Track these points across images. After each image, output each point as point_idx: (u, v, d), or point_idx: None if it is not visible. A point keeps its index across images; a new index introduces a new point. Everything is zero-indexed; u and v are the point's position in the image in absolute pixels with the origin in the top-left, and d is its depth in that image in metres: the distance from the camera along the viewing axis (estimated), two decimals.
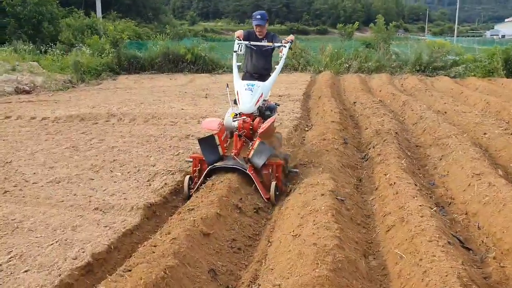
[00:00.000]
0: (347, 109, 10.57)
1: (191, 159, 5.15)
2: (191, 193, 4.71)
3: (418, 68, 18.10)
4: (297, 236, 3.46)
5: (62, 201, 4.56)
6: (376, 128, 7.55)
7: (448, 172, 5.46)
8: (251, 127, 5.08)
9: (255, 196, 4.69)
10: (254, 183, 4.73)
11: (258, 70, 5.68)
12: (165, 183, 5.01)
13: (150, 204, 4.41)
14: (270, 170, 4.84)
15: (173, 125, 8.38)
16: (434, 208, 4.04)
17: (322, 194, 4.12)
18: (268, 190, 4.74)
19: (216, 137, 4.94)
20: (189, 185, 4.80)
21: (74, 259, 3.36)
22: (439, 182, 5.34)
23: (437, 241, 3.28)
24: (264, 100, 5.40)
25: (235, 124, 5.07)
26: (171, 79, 16.89)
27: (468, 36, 63.03)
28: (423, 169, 5.92)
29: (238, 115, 5.17)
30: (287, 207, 4.30)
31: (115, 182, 5.14)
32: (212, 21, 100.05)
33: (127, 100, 11.54)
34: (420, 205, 3.93)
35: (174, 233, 3.40)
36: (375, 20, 19.84)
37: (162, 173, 5.35)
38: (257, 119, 5.21)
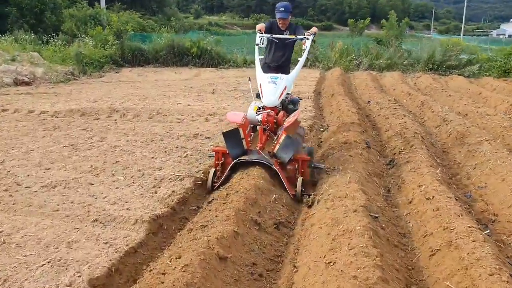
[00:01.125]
0: (362, 108, 10.02)
1: (213, 153, 5.01)
2: (214, 186, 4.65)
3: (431, 67, 17.54)
4: (331, 264, 2.93)
5: (57, 210, 4.04)
6: (397, 130, 7.02)
7: (486, 183, 4.93)
8: (275, 121, 4.99)
9: (275, 208, 4.18)
10: (279, 179, 4.59)
11: (279, 62, 5.59)
12: (173, 191, 4.47)
13: (156, 217, 3.88)
14: (296, 165, 4.72)
15: (180, 123, 7.86)
16: (487, 231, 3.50)
17: (355, 211, 3.59)
18: (294, 186, 4.60)
19: (241, 130, 4.81)
20: (213, 178, 4.70)
21: (68, 286, 2.85)
22: (476, 195, 4.80)
23: (499, 274, 2.75)
24: (287, 94, 5.28)
25: (259, 117, 4.95)
26: (176, 73, 16.34)
27: (474, 35, 62.15)
28: (455, 179, 5.38)
29: (261, 109, 5.06)
30: (312, 223, 3.78)
31: (117, 188, 4.61)
32: (216, 15, 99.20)
33: (131, 94, 11.01)
34: (469, 227, 3.40)
35: (186, 258, 2.88)
36: (388, 16, 19.25)
37: (169, 179, 4.82)
38: (281, 113, 5.12)
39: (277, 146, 4.68)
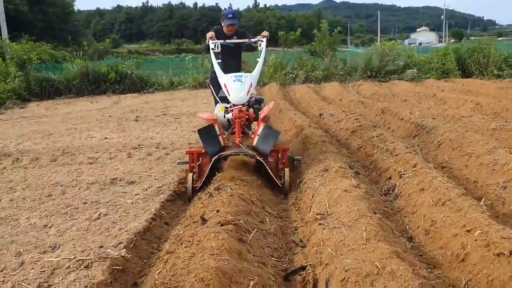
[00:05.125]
0: (317, 123, 8.52)
1: (184, 160, 4.95)
2: (196, 187, 4.39)
3: (369, 74, 16.70)
4: None
5: None
6: (377, 146, 5.53)
7: None
8: (247, 117, 4.87)
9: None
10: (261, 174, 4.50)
11: (233, 69, 5.44)
12: None
13: None
14: (277, 156, 4.59)
15: (93, 164, 5.85)
16: None
17: None
18: (279, 178, 4.52)
19: (216, 126, 4.58)
20: (192, 184, 4.41)
21: None
22: None
23: None
24: (252, 94, 5.15)
25: (229, 116, 4.90)
26: (92, 103, 14.09)
27: None
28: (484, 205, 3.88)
29: (228, 109, 4.95)
30: None
31: None
32: (136, 43, 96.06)
33: (32, 132, 8.75)
34: None
35: None
36: (320, 25, 18.27)
37: (67, 267, 2.86)
38: (250, 110, 4.97)
39: (256, 138, 4.54)
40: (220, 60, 5.31)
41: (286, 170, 4.49)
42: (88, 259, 2.88)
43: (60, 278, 2.74)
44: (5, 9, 29.39)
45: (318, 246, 3.00)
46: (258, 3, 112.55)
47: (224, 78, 5.00)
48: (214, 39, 5.37)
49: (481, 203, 3.41)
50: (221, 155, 4.39)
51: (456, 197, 3.42)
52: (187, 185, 4.45)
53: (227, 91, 4.90)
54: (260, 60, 5.33)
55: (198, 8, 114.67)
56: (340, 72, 17.24)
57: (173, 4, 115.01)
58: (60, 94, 16.37)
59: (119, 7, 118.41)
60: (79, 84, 16.42)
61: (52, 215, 3.89)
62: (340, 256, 2.67)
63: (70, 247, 3.11)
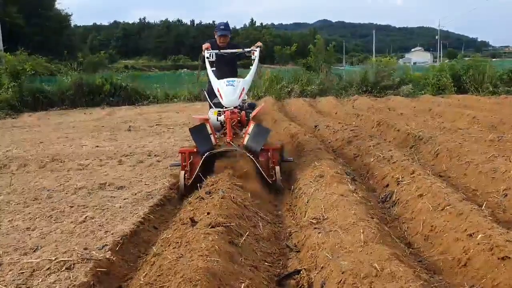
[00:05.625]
0: (312, 133, 8.41)
1: (175, 162, 5.17)
2: (187, 183, 4.47)
3: (365, 89, 16.69)
4: None
5: None
6: (376, 155, 5.41)
7: None
8: (239, 119, 4.98)
9: None
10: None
11: (229, 77, 5.30)
12: None
13: None
14: (267, 156, 4.63)
15: (82, 170, 5.69)
16: None
17: None
18: (270, 176, 4.55)
19: (208, 125, 4.68)
20: (183, 181, 4.49)
21: None
22: None
23: None
24: (244, 99, 5.27)
25: (222, 118, 5.00)
26: (86, 114, 13.95)
27: None
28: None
29: (221, 112, 5.07)
30: None
31: None
32: (132, 59, 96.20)
33: (22, 140, 8.59)
34: None
35: None
36: (315, 40, 18.33)
37: (48, 268, 2.69)
38: (242, 113, 5.08)
39: (247, 137, 4.58)
40: (214, 69, 5.43)
41: (277, 168, 4.57)
42: (70, 261, 2.72)
43: (40, 280, 2.58)
44: (1, 22, 29.43)
45: (313, 250, 2.86)
46: (255, 22, 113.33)
47: (217, 83, 5.14)
48: (210, 50, 5.54)
49: (483, 207, 3.29)
50: (211, 152, 4.48)
51: (456, 202, 3.30)
52: (179, 183, 4.52)
53: (220, 95, 5.03)
54: (253, 67, 5.51)
55: (195, 25, 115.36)
56: (336, 87, 17.24)
57: (170, 20, 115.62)
58: (53, 106, 16.23)
59: (116, 23, 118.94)
60: (73, 95, 16.30)
61: (36, 218, 3.73)
62: (336, 259, 2.53)
63: (52, 249, 2.94)
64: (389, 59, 18.30)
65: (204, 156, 4.45)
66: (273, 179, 4.54)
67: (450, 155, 5.35)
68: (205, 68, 5.50)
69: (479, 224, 2.84)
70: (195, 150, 4.61)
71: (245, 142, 4.57)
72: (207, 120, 4.81)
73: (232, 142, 4.67)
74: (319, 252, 2.76)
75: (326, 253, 2.66)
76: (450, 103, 12.39)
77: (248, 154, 4.44)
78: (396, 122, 8.46)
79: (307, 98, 16.02)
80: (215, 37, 5.97)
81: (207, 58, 5.45)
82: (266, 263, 2.93)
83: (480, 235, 2.72)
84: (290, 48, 18.95)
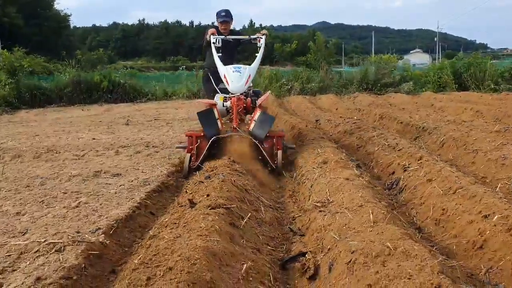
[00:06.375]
0: (314, 126, 8.24)
1: (182, 145, 5.22)
2: (193, 166, 4.54)
3: (365, 87, 16.55)
4: None
5: None
6: (381, 143, 5.26)
7: None
8: (244, 105, 4.99)
9: None
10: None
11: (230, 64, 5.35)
12: (37, 278, 2.20)
13: None
14: (272, 142, 4.72)
15: (77, 159, 5.52)
16: None
17: None
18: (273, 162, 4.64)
19: (215, 110, 4.75)
20: (189, 163, 4.59)
21: None
22: None
23: None
24: (249, 87, 5.25)
25: (228, 104, 5.04)
26: (83, 110, 13.76)
27: None
28: None
29: (227, 98, 5.11)
30: None
31: None
32: (131, 60, 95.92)
33: (18, 133, 8.42)
34: None
35: None
36: (315, 38, 18.19)
37: (36, 251, 2.52)
38: (248, 99, 5.09)
39: (252, 124, 4.66)
40: (220, 54, 5.39)
41: (279, 152, 4.66)
42: (61, 242, 2.55)
43: (27, 262, 2.41)
44: (0, 22, 29.23)
45: (318, 233, 2.70)
46: (254, 23, 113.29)
47: (224, 69, 5.15)
48: (216, 35, 5.51)
49: (497, 189, 3.13)
50: (218, 136, 4.58)
51: (468, 185, 3.14)
52: (184, 165, 4.63)
53: (227, 81, 5.05)
54: (259, 55, 5.49)
55: (194, 26, 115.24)
56: (336, 85, 17.10)
57: (169, 22, 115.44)
58: (51, 103, 16.04)
59: (115, 24, 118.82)
60: (71, 92, 16.12)
61: (28, 203, 3.55)
62: (344, 239, 2.37)
63: (42, 231, 2.78)
64: (389, 57, 18.13)
65: (211, 140, 4.52)
66: (275, 162, 4.62)
67: (456, 144, 5.20)
68: (207, 49, 5.51)
69: (494, 205, 2.68)
70: (202, 134, 4.67)
71: (250, 129, 4.64)
72: (214, 105, 4.85)
73: (238, 127, 4.72)
74: (325, 234, 2.60)
75: (333, 234, 2.50)
76: (452, 99, 12.26)
77: (253, 140, 4.52)
78: (399, 115, 8.32)
79: (307, 96, 15.88)
80: (217, 23, 5.92)
81: (213, 43, 5.40)
82: (268, 247, 2.77)
83: (496, 216, 2.56)
84: (290, 46, 18.76)
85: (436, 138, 5.74)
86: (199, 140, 4.68)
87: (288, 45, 17.86)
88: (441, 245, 2.79)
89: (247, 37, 5.73)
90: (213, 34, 5.52)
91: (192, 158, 4.63)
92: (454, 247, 2.69)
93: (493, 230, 2.49)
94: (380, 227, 2.40)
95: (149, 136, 7.33)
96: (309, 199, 3.37)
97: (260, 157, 4.61)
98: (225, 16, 5.85)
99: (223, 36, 5.54)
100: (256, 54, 5.52)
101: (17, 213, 3.32)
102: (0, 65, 17.13)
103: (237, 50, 6.15)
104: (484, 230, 2.56)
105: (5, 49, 20.87)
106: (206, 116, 4.71)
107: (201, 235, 2.29)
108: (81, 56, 18.06)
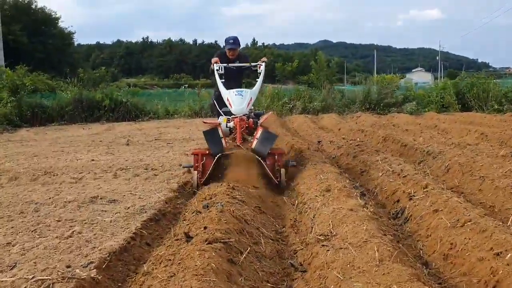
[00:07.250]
0: (316, 148, 8.13)
1: (188, 164, 5.61)
2: (200, 182, 4.84)
3: (368, 106, 16.47)
4: None
5: None
6: (385, 169, 5.13)
7: None
8: (247, 125, 5.28)
9: None
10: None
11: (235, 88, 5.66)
12: None
13: None
14: (273, 160, 4.99)
15: (75, 183, 5.40)
16: None
17: None
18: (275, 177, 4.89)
19: (219, 129, 5.06)
20: (197, 179, 4.88)
21: None
22: None
23: None
24: (251, 109, 5.54)
25: (231, 124, 5.34)
26: (84, 129, 13.70)
27: None
28: None
29: (230, 119, 5.38)
30: None
31: None
32: (135, 77, 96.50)
33: (16, 154, 8.32)
34: None
35: None
36: (316, 57, 18.21)
37: None
38: (250, 120, 5.38)
39: (255, 141, 4.89)
40: (223, 80, 5.79)
41: (283, 170, 4.99)
42: (49, 279, 2.42)
43: None
44: (4, 39, 29.48)
45: (321, 270, 2.56)
46: (256, 41, 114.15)
47: (226, 93, 5.51)
48: (218, 63, 5.91)
49: (508, 223, 2.99)
50: (223, 153, 4.83)
51: (478, 218, 3.01)
52: (191, 181, 4.97)
53: (230, 103, 5.40)
54: (260, 79, 5.90)
55: (197, 44, 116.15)
56: (338, 104, 17.04)
57: (173, 40, 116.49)
58: (52, 121, 16.01)
59: (119, 42, 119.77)
60: (72, 111, 16.08)
61: (19, 233, 3.43)
62: (348, 280, 2.24)
63: (30, 266, 2.65)
64: (392, 77, 18.10)
65: (216, 157, 4.79)
66: (278, 180, 4.91)
67: (462, 170, 5.06)
68: (213, 77, 5.92)
69: (507, 242, 2.55)
70: (207, 152, 4.97)
71: (253, 146, 4.90)
72: (218, 125, 5.20)
73: (242, 145, 5.01)
74: (328, 272, 2.46)
75: (336, 273, 2.37)
76: (456, 120, 12.16)
77: (256, 157, 4.77)
78: (403, 137, 8.20)
79: (309, 115, 15.81)
80: (225, 49, 6.28)
81: (217, 70, 5.81)
82: (268, 284, 2.63)
83: (509, 254, 2.42)
84: (292, 65, 18.78)
85: (441, 163, 5.61)
86: (204, 158, 4.98)
87: (289, 64, 17.92)
88: (450, 283, 2.65)
89: (248, 64, 6.11)
90: (216, 62, 5.90)
91: (199, 175, 4.91)
92: (465, 286, 2.55)
93: (506, 270, 2.36)
94: (386, 267, 2.27)
95: (148, 158, 7.23)
96: (312, 231, 3.23)
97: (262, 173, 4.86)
98: (233, 44, 6.24)
99: (225, 64, 5.90)
100: (257, 80, 5.92)
101: (7, 243, 3.20)
102: (2, 83, 17.17)
103: (242, 76, 6.52)
104: (497, 269, 2.42)
105: (8, 67, 20.90)
106: (211, 134, 5.02)
107: (196, 275, 2.16)
108: (83, 74, 18.07)
